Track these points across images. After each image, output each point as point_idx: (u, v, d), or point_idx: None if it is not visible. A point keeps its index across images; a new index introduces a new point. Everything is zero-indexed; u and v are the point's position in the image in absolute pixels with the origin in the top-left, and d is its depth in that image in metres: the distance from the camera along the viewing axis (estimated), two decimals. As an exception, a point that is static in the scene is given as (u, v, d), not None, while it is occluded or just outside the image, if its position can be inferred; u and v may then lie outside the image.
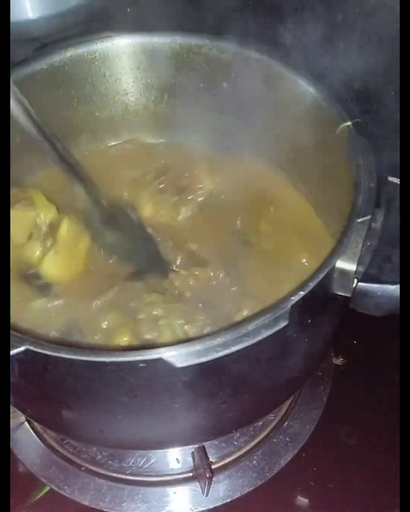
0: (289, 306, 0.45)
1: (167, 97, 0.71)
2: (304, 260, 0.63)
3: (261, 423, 0.72)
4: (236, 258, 0.64)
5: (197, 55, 0.66)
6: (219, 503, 0.67)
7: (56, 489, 0.68)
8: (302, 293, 0.46)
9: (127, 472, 0.69)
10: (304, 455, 0.70)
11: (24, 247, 0.63)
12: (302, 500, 0.67)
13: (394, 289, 0.48)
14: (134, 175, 0.71)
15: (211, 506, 0.67)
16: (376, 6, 0.71)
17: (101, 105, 0.71)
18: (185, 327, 0.58)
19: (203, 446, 0.67)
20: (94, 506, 0.67)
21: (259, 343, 0.44)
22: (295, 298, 0.45)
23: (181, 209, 0.69)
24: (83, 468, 0.69)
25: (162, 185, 0.70)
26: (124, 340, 0.58)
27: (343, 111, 0.58)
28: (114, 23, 0.72)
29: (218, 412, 0.52)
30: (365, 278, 0.49)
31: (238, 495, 0.67)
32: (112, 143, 0.75)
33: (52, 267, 0.63)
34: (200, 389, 0.48)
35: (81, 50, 0.66)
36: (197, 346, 0.43)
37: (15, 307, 0.56)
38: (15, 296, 0.58)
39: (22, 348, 0.43)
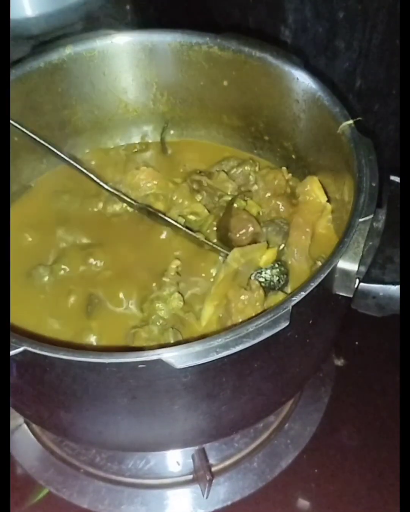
0: (290, 306, 0.44)
1: (167, 95, 0.71)
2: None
3: (261, 425, 0.71)
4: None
5: (197, 53, 0.66)
6: (219, 506, 0.66)
7: (54, 491, 0.67)
8: (303, 293, 0.45)
9: (127, 474, 0.69)
10: (305, 457, 0.70)
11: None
12: (303, 502, 0.67)
13: (395, 289, 0.48)
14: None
15: (211, 509, 0.66)
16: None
17: (100, 103, 0.70)
18: None
19: (203, 448, 0.67)
20: (93, 509, 0.66)
21: (260, 344, 0.43)
22: (296, 299, 0.45)
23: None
24: (82, 470, 0.69)
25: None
26: None
27: (345, 110, 0.58)
28: (113, 21, 0.71)
29: (218, 414, 0.52)
30: (366, 278, 0.48)
31: (238, 497, 0.67)
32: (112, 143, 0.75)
33: None
34: (200, 391, 0.48)
35: (80, 48, 0.65)
36: (197, 347, 0.43)
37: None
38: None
39: (21, 349, 0.43)
